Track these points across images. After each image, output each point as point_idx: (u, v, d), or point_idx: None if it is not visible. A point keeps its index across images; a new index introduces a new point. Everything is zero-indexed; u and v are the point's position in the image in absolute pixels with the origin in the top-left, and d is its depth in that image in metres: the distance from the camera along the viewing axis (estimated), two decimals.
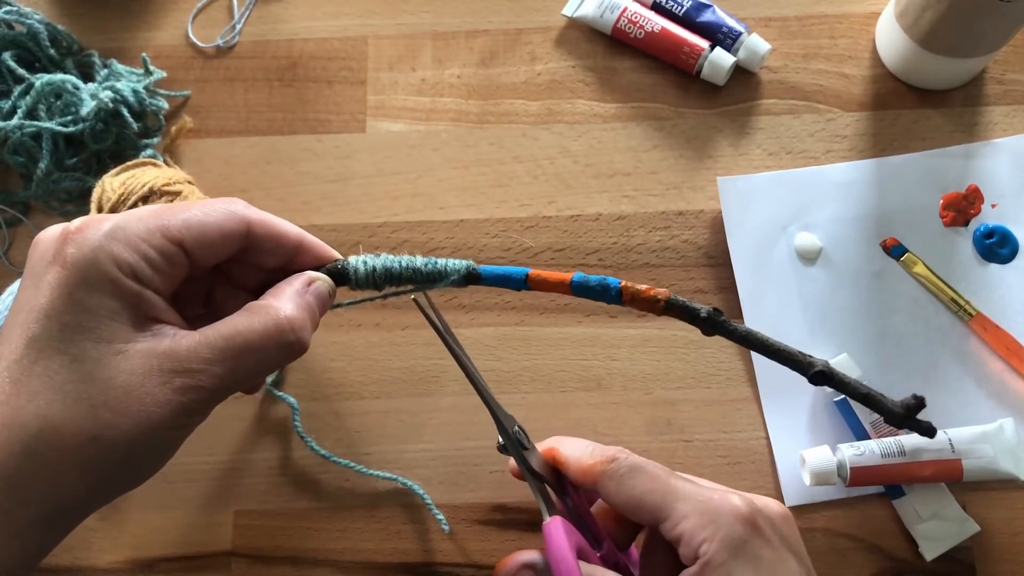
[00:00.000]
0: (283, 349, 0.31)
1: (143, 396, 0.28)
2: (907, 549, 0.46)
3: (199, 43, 0.57)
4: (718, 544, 0.34)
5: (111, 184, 0.48)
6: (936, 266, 0.49)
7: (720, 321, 0.34)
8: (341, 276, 0.35)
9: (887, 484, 0.46)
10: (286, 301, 0.32)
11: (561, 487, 0.39)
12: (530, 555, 0.39)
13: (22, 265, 0.53)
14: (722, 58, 0.52)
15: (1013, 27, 0.47)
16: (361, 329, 0.51)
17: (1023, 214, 0.50)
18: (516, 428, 0.39)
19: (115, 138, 0.53)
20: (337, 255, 0.36)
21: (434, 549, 0.47)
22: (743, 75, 0.54)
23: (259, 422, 0.49)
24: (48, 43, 0.54)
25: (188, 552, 0.48)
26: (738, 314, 0.49)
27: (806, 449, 0.46)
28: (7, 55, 0.53)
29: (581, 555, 0.35)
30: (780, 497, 0.47)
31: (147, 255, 0.30)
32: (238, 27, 0.57)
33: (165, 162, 0.54)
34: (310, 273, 0.34)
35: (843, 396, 0.46)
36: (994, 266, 0.49)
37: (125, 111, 0.52)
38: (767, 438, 0.48)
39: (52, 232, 0.30)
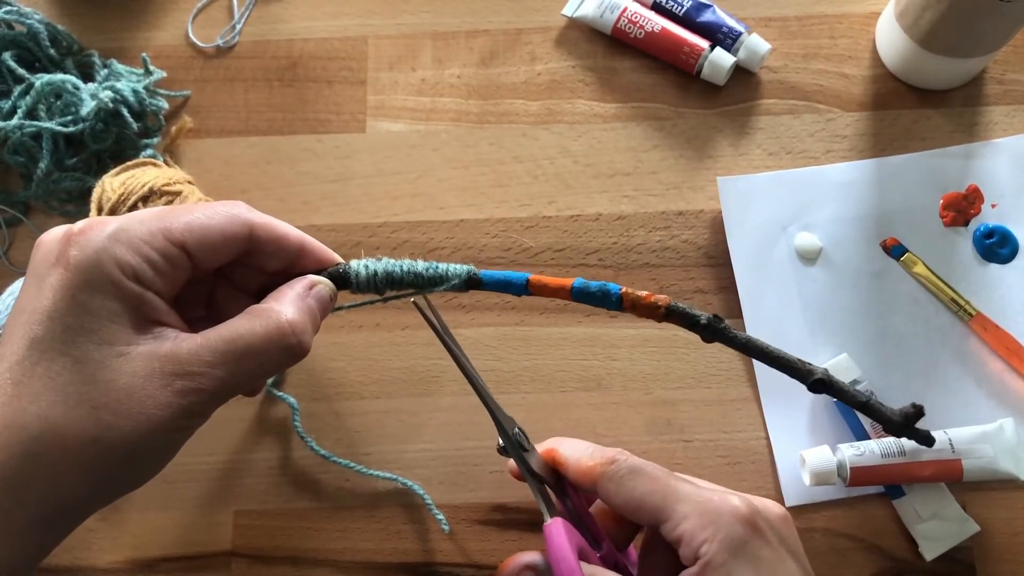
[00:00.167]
0: (284, 352, 0.31)
1: (144, 398, 0.28)
2: (907, 549, 0.46)
3: (199, 43, 0.57)
4: (718, 545, 0.34)
5: (111, 184, 0.48)
6: (936, 266, 0.49)
7: (720, 328, 0.34)
8: (342, 280, 0.35)
9: (887, 484, 0.46)
10: (287, 304, 0.32)
11: (560, 488, 0.39)
12: (531, 556, 0.39)
13: (22, 265, 0.53)
14: (722, 58, 0.52)
15: (1013, 27, 0.47)
16: (361, 329, 0.51)
17: (1023, 214, 0.50)
18: (516, 430, 0.39)
19: (115, 138, 0.53)
20: (339, 259, 0.36)
21: (434, 549, 0.47)
22: (743, 75, 0.54)
23: (259, 422, 0.49)
24: (48, 43, 0.54)
25: (188, 552, 0.48)
26: (738, 314, 0.49)
27: (806, 449, 0.46)
28: (7, 55, 0.53)
29: (581, 556, 0.35)
30: (780, 497, 0.47)
31: (149, 257, 0.30)
32: (238, 27, 0.57)
33: (165, 162, 0.54)
34: (312, 277, 0.34)
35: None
36: (994, 266, 0.49)
37: (125, 111, 0.52)
38: (767, 438, 0.48)
39: (55, 234, 0.30)
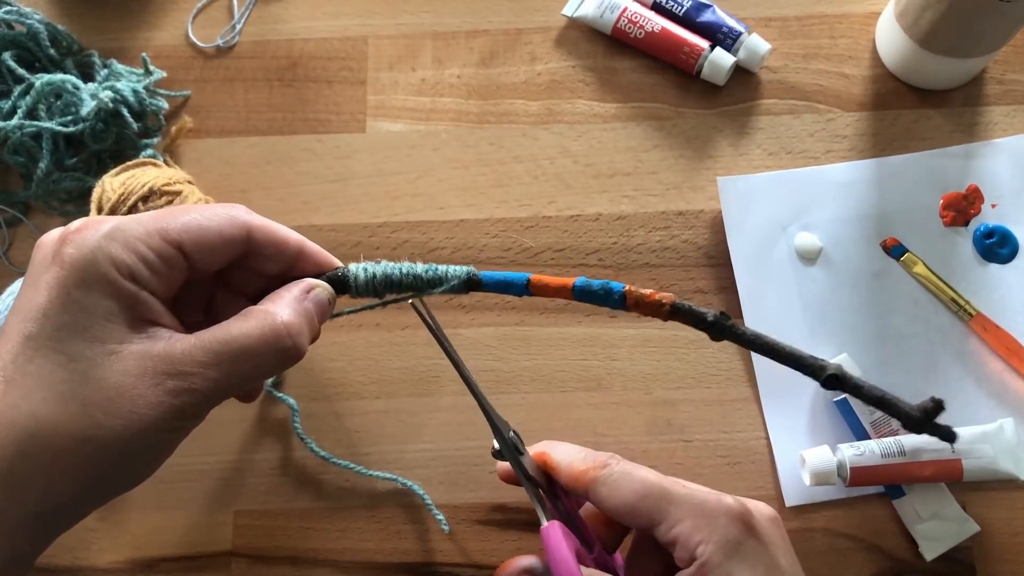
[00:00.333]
0: (279, 354, 0.31)
1: (135, 397, 0.28)
2: (907, 549, 0.46)
3: (199, 43, 0.57)
4: (714, 545, 0.34)
5: (111, 184, 0.48)
6: (936, 266, 0.49)
7: (728, 325, 0.33)
8: (341, 284, 0.35)
9: (887, 484, 0.46)
10: (284, 307, 0.32)
11: (552, 491, 0.39)
12: (529, 560, 0.39)
13: (22, 265, 0.53)
14: (722, 58, 0.52)
15: (1013, 27, 0.47)
16: (361, 329, 0.51)
17: (1023, 214, 0.50)
18: (511, 433, 0.39)
19: (115, 138, 0.53)
20: (338, 263, 0.36)
21: (434, 549, 0.47)
22: (743, 75, 0.54)
23: (259, 422, 0.49)
24: (48, 43, 0.54)
25: (188, 552, 0.48)
26: (738, 314, 0.49)
27: (806, 449, 0.46)
28: (7, 55, 0.53)
29: (578, 559, 0.35)
30: (780, 497, 0.47)
31: (145, 256, 0.30)
32: (238, 27, 0.57)
33: (165, 162, 0.54)
34: (310, 280, 0.34)
35: (843, 396, 0.47)
36: (994, 266, 0.49)
37: (125, 111, 0.52)
38: (767, 438, 0.48)
39: (53, 234, 0.30)
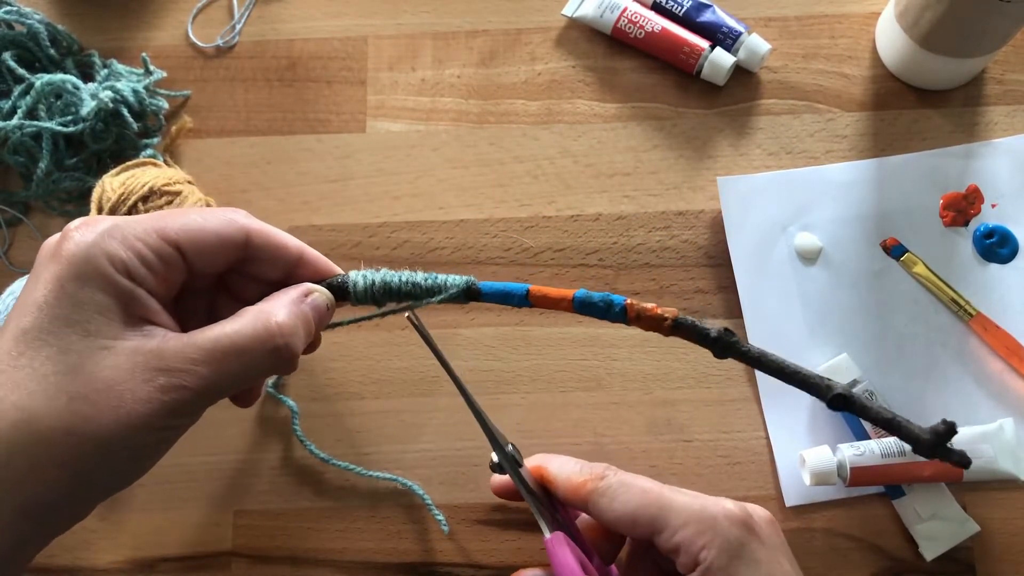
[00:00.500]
0: (271, 354, 0.31)
1: (124, 392, 0.28)
2: (907, 549, 0.46)
3: (199, 43, 0.57)
4: (717, 549, 0.34)
5: (111, 184, 0.48)
6: (936, 266, 0.49)
7: (732, 342, 0.32)
8: (341, 290, 0.35)
9: (887, 484, 0.46)
10: (279, 307, 0.32)
11: (550, 503, 0.39)
12: (534, 572, 0.39)
13: (22, 265, 0.53)
14: (722, 58, 0.52)
15: (1013, 27, 0.47)
16: (361, 329, 0.51)
17: (1023, 214, 0.50)
18: (509, 447, 0.39)
19: (115, 138, 0.53)
20: (338, 270, 0.36)
21: (434, 549, 0.47)
22: (743, 75, 0.54)
23: (259, 422, 0.49)
24: (48, 43, 0.54)
25: (188, 552, 0.48)
26: (738, 314, 0.49)
27: (806, 449, 0.46)
28: (7, 55, 0.53)
29: (582, 570, 0.35)
30: (780, 497, 0.47)
31: (141, 253, 0.30)
32: (238, 27, 0.57)
33: (165, 162, 0.54)
34: (308, 284, 0.34)
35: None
36: (994, 266, 0.49)
37: (125, 111, 0.52)
38: (767, 438, 0.48)
39: (56, 236, 0.30)
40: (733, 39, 0.53)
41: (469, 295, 0.36)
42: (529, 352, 0.50)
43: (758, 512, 0.37)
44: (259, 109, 0.55)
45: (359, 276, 0.35)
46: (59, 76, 0.52)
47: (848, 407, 0.31)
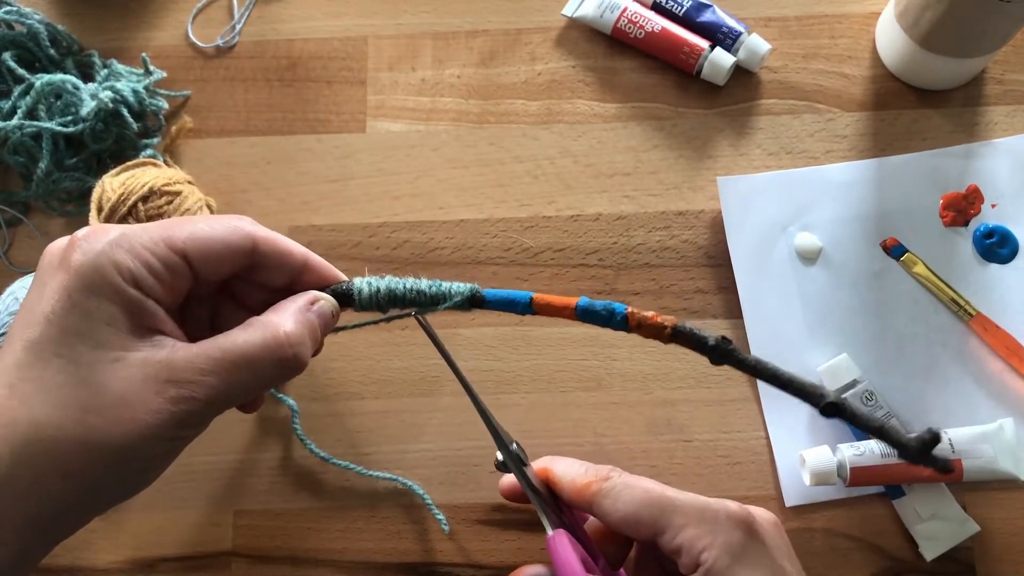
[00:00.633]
0: (280, 364, 0.31)
1: (137, 404, 0.28)
2: (907, 549, 0.46)
3: (199, 43, 0.57)
4: (719, 550, 0.34)
5: (111, 184, 0.48)
6: (936, 266, 0.49)
7: (729, 350, 0.33)
8: (345, 297, 0.35)
9: (887, 484, 0.46)
10: (286, 317, 0.32)
11: (556, 507, 0.39)
12: (536, 569, 0.39)
13: (22, 265, 0.53)
14: (722, 58, 0.52)
15: (1013, 27, 0.47)
16: (361, 329, 0.50)
17: (1023, 214, 0.50)
18: (514, 446, 0.39)
19: (115, 138, 0.53)
20: (342, 276, 0.36)
21: (434, 549, 0.47)
22: (743, 75, 0.54)
23: (259, 422, 0.49)
24: (48, 43, 0.54)
25: (188, 552, 0.48)
26: (738, 314, 0.49)
27: (806, 449, 0.46)
28: (7, 55, 0.53)
29: (585, 568, 0.35)
30: (780, 497, 0.47)
31: (149, 263, 0.30)
32: (238, 27, 0.57)
33: (165, 162, 0.54)
34: (314, 292, 0.34)
35: (843, 396, 0.46)
36: (994, 266, 0.49)
37: (125, 111, 0.52)
38: (767, 438, 0.48)
39: (61, 241, 0.30)
40: (733, 39, 0.53)
41: (473, 303, 0.36)
42: (529, 352, 0.50)
43: (762, 514, 0.37)
44: (259, 109, 0.55)
45: (364, 283, 0.35)
46: (59, 76, 0.52)
47: (840, 415, 0.32)
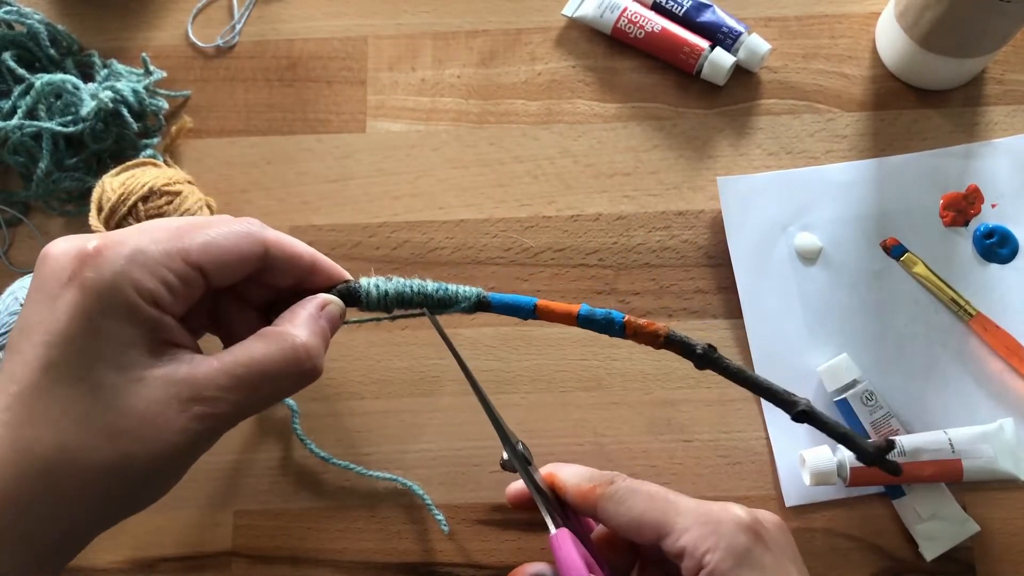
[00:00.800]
0: (300, 377, 0.31)
1: (162, 424, 0.28)
2: (907, 549, 0.46)
3: (199, 43, 0.57)
4: (722, 553, 0.34)
5: (111, 184, 0.48)
6: (936, 266, 0.49)
7: (714, 357, 0.35)
8: (352, 297, 0.35)
9: (887, 484, 0.46)
10: (301, 327, 0.32)
11: (563, 512, 0.39)
12: (538, 567, 0.39)
13: (22, 265, 0.53)
14: (722, 58, 0.52)
15: (1013, 27, 0.47)
16: (361, 329, 0.51)
17: (1023, 214, 0.50)
18: (520, 445, 0.40)
19: (115, 138, 0.53)
20: (348, 275, 0.36)
21: (434, 549, 0.47)
22: (743, 75, 0.54)
23: (259, 422, 0.49)
24: (48, 43, 0.54)
25: (188, 552, 0.48)
26: (738, 314, 0.49)
27: (806, 449, 0.46)
28: (7, 55, 0.53)
29: (588, 568, 0.35)
30: (780, 497, 0.47)
31: (167, 280, 0.29)
32: (238, 27, 0.57)
33: (165, 162, 0.54)
34: (323, 296, 0.34)
35: (843, 396, 0.47)
36: (994, 266, 0.49)
37: (125, 111, 0.52)
38: (767, 438, 0.48)
39: (65, 249, 0.29)
40: (733, 39, 0.53)
41: (479, 306, 0.37)
42: (529, 352, 0.50)
43: (768, 518, 0.37)
44: (259, 109, 0.55)
45: (371, 286, 0.35)
46: (59, 76, 0.52)
47: (809, 421, 0.35)
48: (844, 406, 0.47)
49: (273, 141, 0.55)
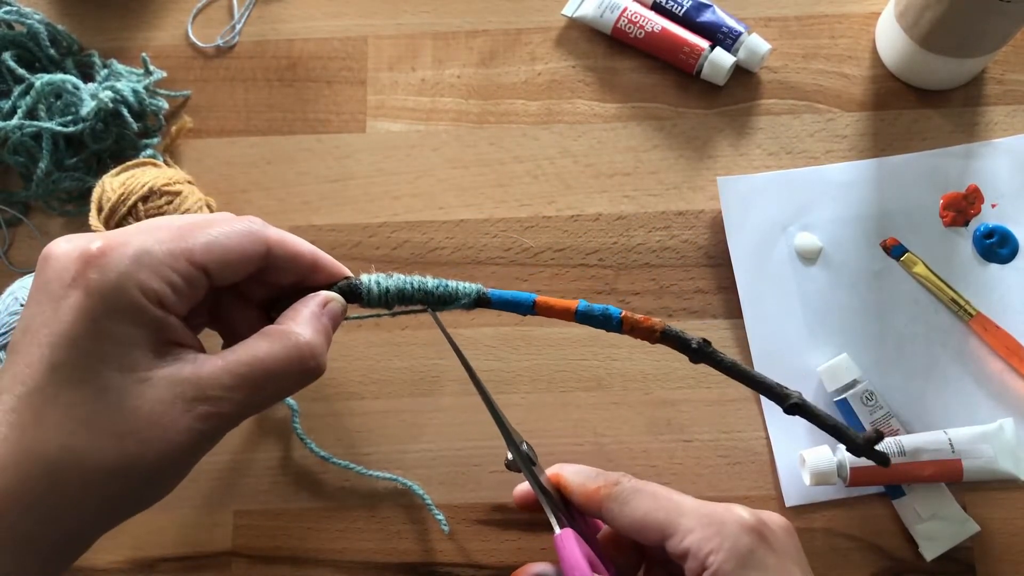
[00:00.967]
0: (304, 375, 0.31)
1: (167, 425, 0.28)
2: (907, 549, 0.46)
3: (199, 43, 0.57)
4: (725, 554, 0.34)
5: (111, 184, 0.48)
6: (936, 266, 0.49)
7: (708, 352, 0.36)
8: (353, 294, 0.35)
9: (887, 484, 0.46)
10: (304, 326, 0.32)
11: (568, 514, 0.39)
12: (541, 567, 0.39)
13: (22, 265, 0.53)
14: (722, 58, 0.52)
15: (1013, 27, 0.47)
16: (361, 329, 0.51)
17: (1023, 214, 0.50)
18: (524, 446, 0.40)
19: (115, 138, 0.53)
20: (349, 272, 0.36)
21: (434, 549, 0.47)
22: (743, 75, 0.54)
23: (259, 422, 0.49)
24: (48, 43, 0.54)
25: (188, 552, 0.48)
26: (738, 314, 0.49)
27: (806, 449, 0.46)
28: (7, 55, 0.53)
29: (592, 568, 0.35)
30: (780, 497, 0.47)
31: (171, 281, 0.29)
32: (238, 27, 0.57)
33: (165, 162, 0.54)
34: (325, 293, 0.34)
35: (843, 396, 0.47)
36: (994, 266, 0.49)
37: (125, 111, 0.52)
38: (767, 438, 0.48)
39: (68, 250, 0.29)
40: (733, 39, 0.53)
41: (479, 303, 0.37)
42: (529, 352, 0.50)
43: (774, 519, 0.37)
44: (259, 109, 0.55)
45: (372, 283, 0.35)
46: (59, 76, 0.52)
47: (802, 413, 0.36)
48: (844, 406, 0.47)
49: (273, 141, 0.55)
